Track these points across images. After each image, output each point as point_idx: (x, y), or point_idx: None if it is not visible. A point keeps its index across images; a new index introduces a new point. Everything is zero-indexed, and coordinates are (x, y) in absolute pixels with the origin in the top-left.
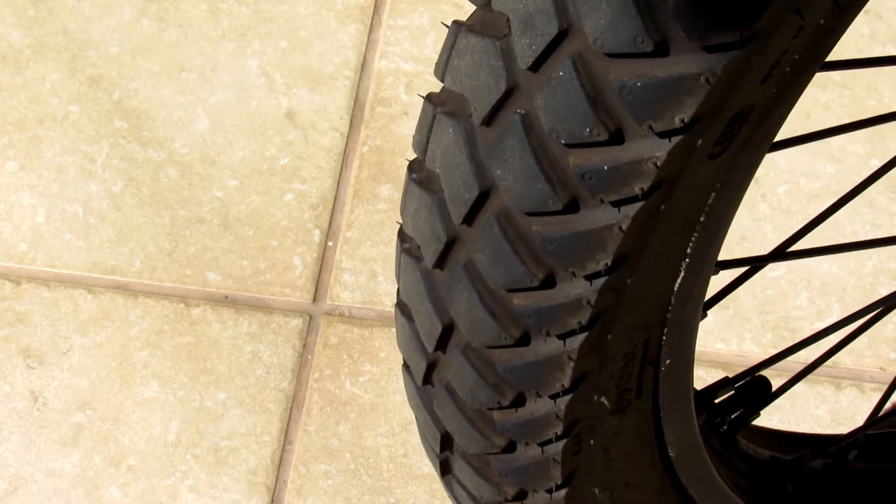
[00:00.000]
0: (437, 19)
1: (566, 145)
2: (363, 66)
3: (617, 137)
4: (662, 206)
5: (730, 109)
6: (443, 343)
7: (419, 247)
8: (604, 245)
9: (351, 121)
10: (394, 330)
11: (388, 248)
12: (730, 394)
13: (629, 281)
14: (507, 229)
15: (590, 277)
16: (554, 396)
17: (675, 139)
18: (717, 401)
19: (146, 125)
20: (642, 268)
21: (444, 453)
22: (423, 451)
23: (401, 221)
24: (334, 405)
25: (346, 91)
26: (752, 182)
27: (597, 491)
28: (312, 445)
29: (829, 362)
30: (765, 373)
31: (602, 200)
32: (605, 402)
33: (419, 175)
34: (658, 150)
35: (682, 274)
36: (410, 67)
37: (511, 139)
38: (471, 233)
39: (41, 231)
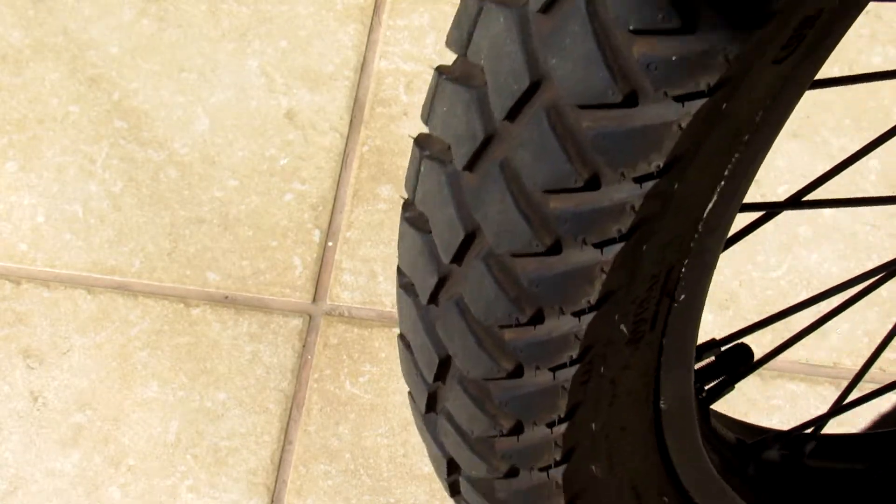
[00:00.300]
0: (438, 19)
1: (633, 32)
2: (363, 66)
3: (689, 25)
4: (724, 106)
5: (804, 9)
6: (461, 253)
7: (449, 148)
8: (660, 144)
9: (351, 121)
10: (395, 330)
11: (388, 248)
12: (710, 360)
13: (675, 188)
14: (556, 124)
15: (639, 180)
16: (578, 314)
17: (754, 33)
18: (697, 366)
19: (146, 125)
20: (689, 177)
21: (436, 384)
22: (424, 452)
23: (416, 135)
24: (334, 405)
25: (346, 91)
26: (753, 184)
27: (594, 428)
28: (312, 446)
29: (829, 362)
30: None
31: (665, 94)
32: (624, 328)
33: (454, 73)
34: (732, 42)
35: (715, 198)
36: (410, 68)
37: (573, 25)
38: (512, 129)
39: (41, 231)
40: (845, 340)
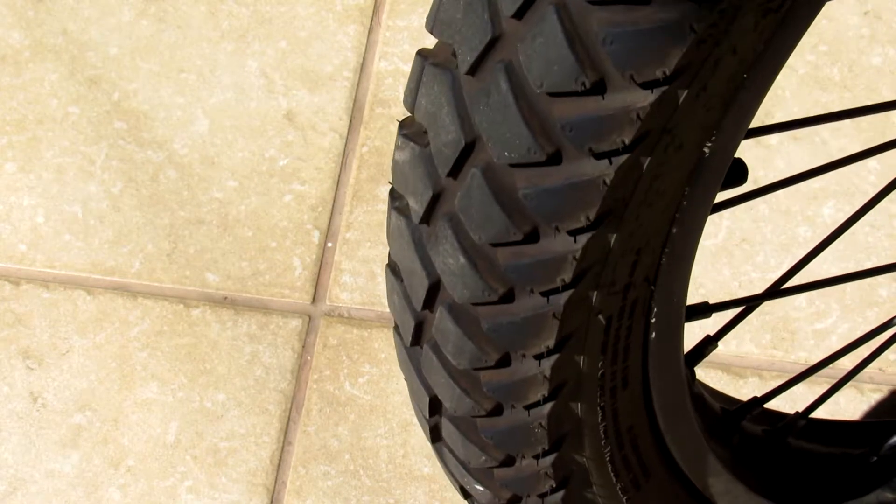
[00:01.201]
0: None
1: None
2: (362, 67)
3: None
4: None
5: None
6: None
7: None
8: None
9: (350, 122)
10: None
11: (388, 248)
12: None
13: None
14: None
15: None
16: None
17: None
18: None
19: (145, 126)
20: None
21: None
22: (423, 452)
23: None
24: (333, 406)
25: (346, 92)
26: (752, 183)
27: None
28: (312, 446)
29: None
30: (763, 371)
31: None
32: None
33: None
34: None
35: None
36: (410, 68)
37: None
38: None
39: (40, 232)
40: (844, 341)
